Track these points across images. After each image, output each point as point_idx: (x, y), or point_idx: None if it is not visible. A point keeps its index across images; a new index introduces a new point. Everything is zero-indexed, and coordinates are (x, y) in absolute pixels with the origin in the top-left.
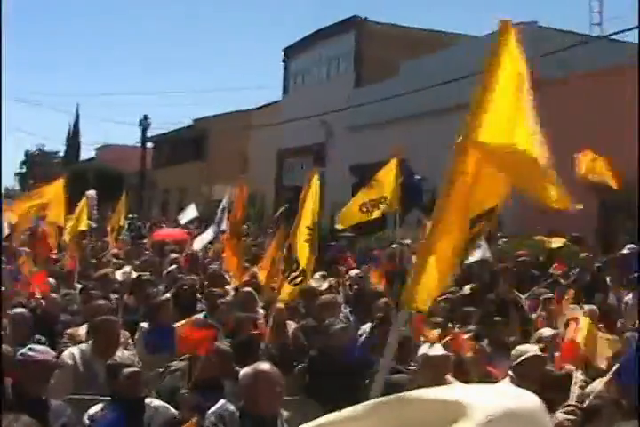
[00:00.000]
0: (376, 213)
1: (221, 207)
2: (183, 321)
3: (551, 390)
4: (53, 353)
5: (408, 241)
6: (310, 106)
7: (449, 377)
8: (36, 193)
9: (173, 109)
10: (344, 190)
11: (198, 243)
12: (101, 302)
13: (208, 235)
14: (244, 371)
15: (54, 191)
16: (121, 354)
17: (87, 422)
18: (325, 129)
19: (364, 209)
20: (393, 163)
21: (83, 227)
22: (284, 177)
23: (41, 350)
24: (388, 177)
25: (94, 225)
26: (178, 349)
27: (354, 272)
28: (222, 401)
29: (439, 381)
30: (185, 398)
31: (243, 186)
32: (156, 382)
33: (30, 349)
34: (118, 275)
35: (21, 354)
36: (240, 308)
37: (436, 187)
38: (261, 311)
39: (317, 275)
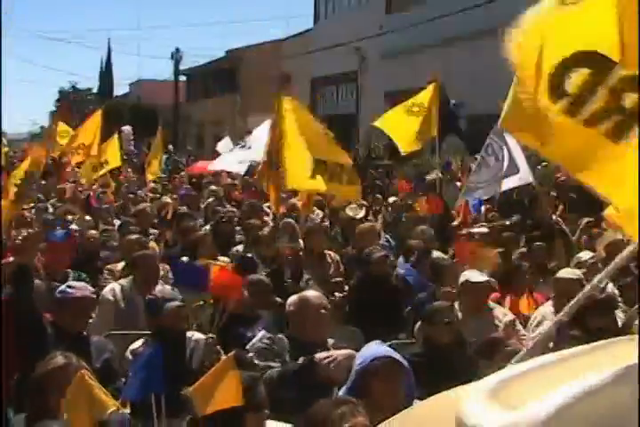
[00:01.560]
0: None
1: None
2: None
3: (594, 314)
4: (92, 289)
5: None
6: (342, 33)
7: (490, 303)
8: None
9: (205, 42)
10: (378, 117)
11: (235, 166)
12: (138, 236)
13: (242, 164)
14: (290, 298)
15: (92, 126)
16: (161, 288)
17: (130, 356)
18: (358, 56)
19: (419, 137)
20: (430, 89)
21: (117, 163)
22: (317, 106)
23: (79, 287)
24: (424, 103)
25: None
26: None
27: (392, 199)
28: (263, 332)
29: (479, 306)
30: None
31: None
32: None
33: (69, 286)
34: (156, 209)
35: (60, 291)
36: (280, 238)
37: (471, 112)
38: (301, 242)
39: (354, 203)
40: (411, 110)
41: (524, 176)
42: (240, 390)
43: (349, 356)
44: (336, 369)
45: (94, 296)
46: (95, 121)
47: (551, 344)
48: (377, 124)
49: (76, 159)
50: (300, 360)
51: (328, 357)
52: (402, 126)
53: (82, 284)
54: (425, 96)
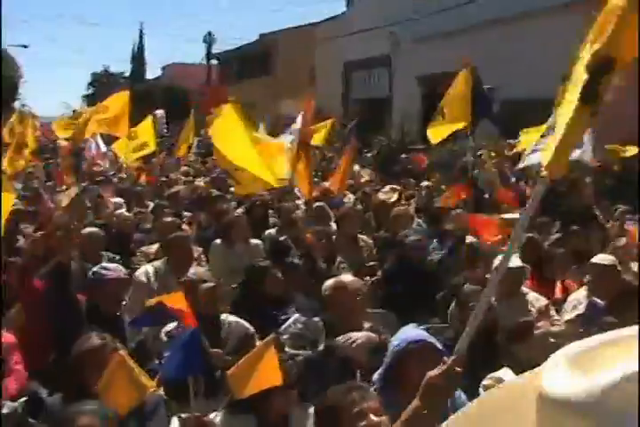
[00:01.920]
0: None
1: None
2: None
3: (628, 300)
4: (125, 271)
5: (480, 152)
6: (375, 17)
7: (524, 288)
8: (102, 107)
9: (238, 26)
10: (412, 101)
11: None
12: (173, 219)
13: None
14: (327, 282)
15: (119, 105)
16: (194, 270)
17: (164, 338)
18: (392, 40)
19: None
20: (463, 73)
21: (152, 147)
22: (350, 90)
23: (113, 268)
24: (457, 88)
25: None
26: None
27: (425, 183)
28: (297, 315)
29: (513, 291)
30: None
31: (310, 99)
32: (229, 298)
33: (102, 267)
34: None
35: (93, 273)
36: (313, 222)
37: (504, 97)
38: (334, 225)
39: (387, 187)
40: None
41: (585, 153)
42: (279, 370)
43: (368, 338)
44: (356, 351)
45: (128, 277)
46: (122, 99)
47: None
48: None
49: (98, 128)
50: (322, 346)
51: (348, 339)
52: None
53: (115, 265)
54: (456, 82)
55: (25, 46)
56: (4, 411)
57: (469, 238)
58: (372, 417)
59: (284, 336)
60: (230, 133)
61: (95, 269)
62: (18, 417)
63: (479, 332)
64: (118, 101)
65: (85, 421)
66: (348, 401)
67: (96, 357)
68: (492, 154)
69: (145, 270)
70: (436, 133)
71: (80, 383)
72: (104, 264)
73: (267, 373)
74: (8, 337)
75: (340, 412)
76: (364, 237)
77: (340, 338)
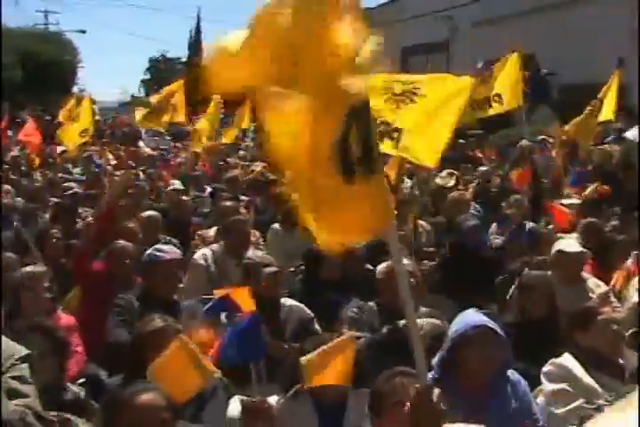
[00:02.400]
0: (496, 110)
1: None
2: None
3: None
4: (179, 252)
5: (538, 137)
6: (433, 2)
7: (584, 274)
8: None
9: None
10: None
11: None
12: (231, 203)
13: None
14: (380, 266)
15: (176, 94)
16: (254, 254)
17: (224, 320)
18: (449, 25)
19: (485, 104)
20: (513, 57)
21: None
22: None
23: (167, 250)
24: (506, 72)
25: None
26: None
27: (482, 168)
28: (355, 299)
29: (573, 277)
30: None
31: None
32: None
33: (156, 249)
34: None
35: (148, 255)
36: None
37: (562, 82)
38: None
39: (444, 172)
40: (481, 79)
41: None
42: (351, 371)
43: (432, 323)
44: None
45: (182, 259)
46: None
47: None
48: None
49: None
50: (384, 329)
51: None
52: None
53: (170, 247)
54: (502, 67)
55: (83, 31)
56: (69, 397)
57: (529, 224)
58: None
59: (342, 319)
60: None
61: (149, 250)
62: (82, 402)
63: (540, 317)
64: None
65: (148, 397)
66: (389, 388)
67: (159, 338)
68: (551, 140)
69: (203, 253)
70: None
71: (141, 365)
72: (158, 246)
73: (341, 369)
74: (68, 319)
75: (380, 397)
76: (423, 222)
77: (404, 322)
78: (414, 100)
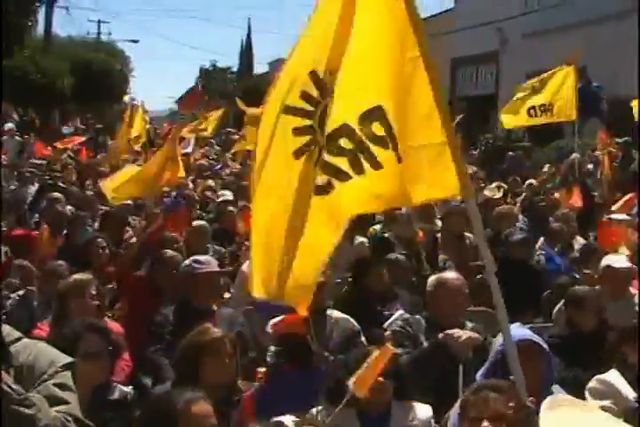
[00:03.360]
0: (542, 120)
1: None
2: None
3: None
4: (216, 263)
5: (588, 150)
6: (483, 13)
7: (631, 289)
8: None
9: None
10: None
11: None
12: None
13: None
14: (430, 279)
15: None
16: None
17: (270, 331)
18: (499, 36)
19: (532, 113)
20: (567, 70)
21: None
22: (457, 86)
23: (204, 262)
24: (558, 83)
25: None
26: None
27: (531, 181)
28: (401, 311)
29: (621, 292)
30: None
31: None
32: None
33: (194, 260)
34: None
35: (185, 266)
36: (418, 219)
37: (615, 94)
38: (439, 223)
39: (493, 184)
40: (534, 87)
41: None
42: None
43: (473, 337)
44: (462, 348)
45: (219, 271)
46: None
47: None
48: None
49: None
50: (426, 343)
51: (452, 336)
52: (515, 103)
53: (207, 258)
54: (555, 77)
55: (135, 41)
56: (115, 396)
57: (580, 240)
58: (484, 424)
59: (387, 333)
60: None
61: (187, 262)
62: (129, 404)
63: (590, 331)
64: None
65: (203, 406)
66: (473, 401)
67: (217, 347)
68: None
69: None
70: (511, 118)
71: (193, 374)
72: (196, 257)
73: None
74: (115, 326)
75: (464, 408)
76: (470, 234)
77: (442, 334)
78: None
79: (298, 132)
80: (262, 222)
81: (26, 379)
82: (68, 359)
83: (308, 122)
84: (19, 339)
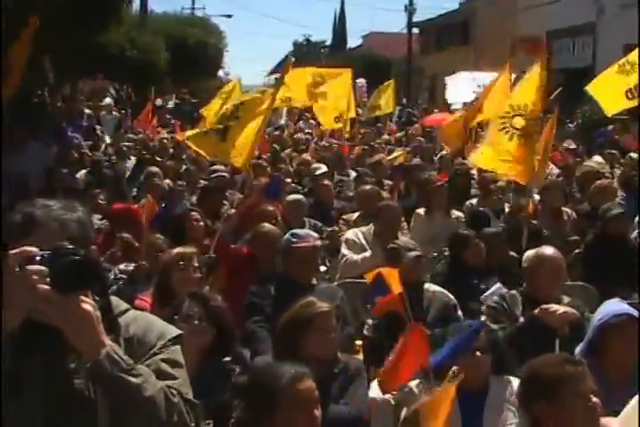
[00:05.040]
0: (631, 103)
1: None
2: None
3: None
4: (315, 237)
5: None
6: None
7: None
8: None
9: None
10: None
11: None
12: (371, 187)
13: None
14: (526, 254)
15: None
16: (399, 239)
17: (368, 305)
18: (597, 7)
19: (630, 95)
20: None
21: (353, 114)
22: (552, 59)
23: (303, 235)
24: None
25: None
26: None
27: (632, 155)
28: (498, 284)
29: None
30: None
31: (508, 69)
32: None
33: (292, 234)
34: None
35: (285, 240)
36: (514, 193)
37: None
38: (537, 197)
39: (597, 157)
40: (622, 69)
41: None
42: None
43: (570, 311)
44: (558, 322)
45: (317, 245)
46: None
47: None
48: (588, 88)
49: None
50: (524, 318)
51: (549, 310)
52: (609, 87)
53: (306, 232)
54: None
55: (229, 16)
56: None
57: None
58: (594, 399)
59: (483, 307)
60: None
61: (287, 235)
62: (229, 375)
63: None
64: (339, 86)
65: (308, 382)
66: (567, 376)
67: (325, 320)
68: None
69: (355, 232)
70: (612, 105)
71: (297, 347)
72: (295, 231)
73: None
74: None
75: (554, 384)
76: (569, 209)
77: (539, 309)
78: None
79: None
80: None
81: (136, 350)
82: (178, 332)
83: None
84: (127, 310)
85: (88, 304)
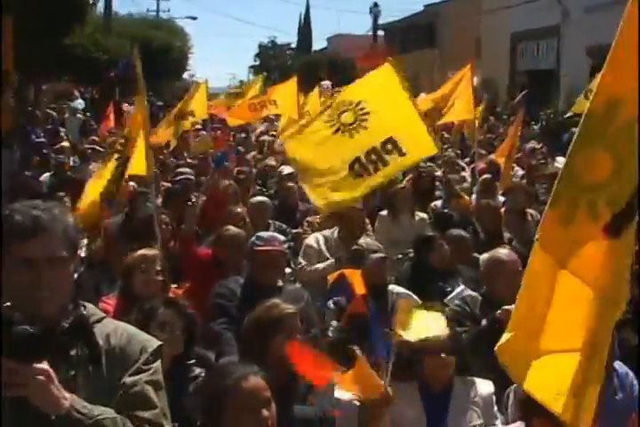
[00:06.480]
0: None
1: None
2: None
3: None
4: (281, 239)
5: None
6: None
7: None
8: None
9: None
10: (580, 72)
11: None
12: None
13: None
14: (482, 256)
15: (287, 90)
16: (363, 241)
17: (332, 306)
18: (561, 10)
19: (589, 95)
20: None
21: (295, 116)
22: (517, 61)
23: (267, 239)
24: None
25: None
26: None
27: None
28: (461, 286)
29: None
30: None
31: (472, 68)
32: (394, 268)
33: (257, 237)
34: None
35: (251, 242)
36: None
37: None
38: (501, 199)
39: (561, 159)
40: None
41: None
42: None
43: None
44: None
45: (281, 249)
46: (291, 88)
47: None
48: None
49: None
50: (484, 322)
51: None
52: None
53: (270, 235)
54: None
55: (194, 18)
56: (194, 373)
57: None
58: None
59: (446, 309)
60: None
61: (253, 238)
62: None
63: None
64: (286, 93)
65: (253, 381)
66: None
67: (290, 322)
68: None
69: (315, 238)
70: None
71: (262, 349)
72: (260, 234)
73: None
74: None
75: None
76: (532, 211)
77: (500, 311)
78: (365, 126)
79: None
80: None
81: (119, 363)
82: (158, 343)
83: None
84: (102, 318)
85: (42, 370)
